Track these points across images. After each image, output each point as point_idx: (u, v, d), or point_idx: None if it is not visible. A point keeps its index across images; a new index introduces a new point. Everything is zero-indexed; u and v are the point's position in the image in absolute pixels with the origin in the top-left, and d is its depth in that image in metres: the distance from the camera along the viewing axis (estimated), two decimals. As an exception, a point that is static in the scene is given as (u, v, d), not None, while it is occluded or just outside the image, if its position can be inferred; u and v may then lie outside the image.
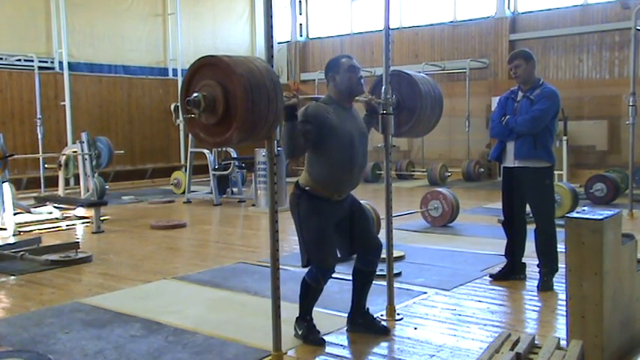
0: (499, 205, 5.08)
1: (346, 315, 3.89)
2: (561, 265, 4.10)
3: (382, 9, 4.02)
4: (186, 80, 3.27)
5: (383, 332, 3.77)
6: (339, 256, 3.73)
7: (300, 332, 3.65)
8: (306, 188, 3.57)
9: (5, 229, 7.53)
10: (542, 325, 3.98)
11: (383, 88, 3.96)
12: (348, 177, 3.59)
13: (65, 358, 3.46)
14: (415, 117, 4.17)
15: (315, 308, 3.72)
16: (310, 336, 3.62)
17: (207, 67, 3.19)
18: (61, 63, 12.93)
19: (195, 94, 3.11)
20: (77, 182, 9.87)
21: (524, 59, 4.71)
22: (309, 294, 3.64)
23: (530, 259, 4.92)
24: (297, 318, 3.72)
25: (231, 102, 3.06)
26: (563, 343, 3.08)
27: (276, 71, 3.24)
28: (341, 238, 3.71)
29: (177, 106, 10.81)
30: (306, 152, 3.56)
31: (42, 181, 11.52)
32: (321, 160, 3.54)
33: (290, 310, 3.63)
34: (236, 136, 3.08)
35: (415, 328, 3.85)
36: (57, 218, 8.55)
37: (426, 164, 13.77)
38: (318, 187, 3.55)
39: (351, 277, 3.87)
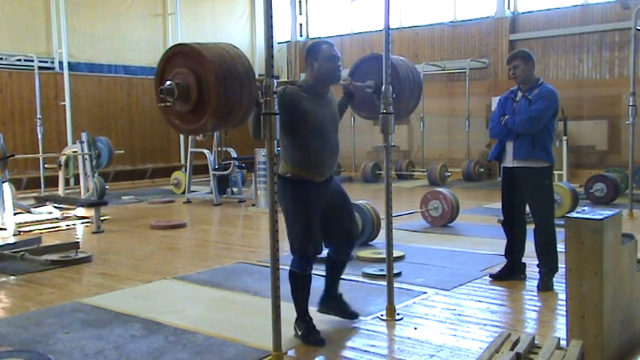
0: (499, 205, 5.08)
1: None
2: (561, 265, 4.11)
3: (382, 9, 4.02)
4: (160, 69, 3.31)
5: (353, 317, 3.91)
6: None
7: (300, 333, 3.66)
8: (288, 175, 3.63)
9: (5, 229, 7.53)
10: (542, 325, 3.98)
11: (383, 88, 3.98)
12: (322, 159, 3.65)
13: (65, 358, 3.46)
14: (395, 99, 4.22)
15: (314, 308, 3.72)
16: (310, 336, 3.63)
17: (180, 55, 3.24)
18: (61, 63, 12.92)
19: (168, 83, 3.15)
20: (77, 182, 9.87)
21: (523, 59, 4.71)
22: (298, 284, 3.67)
23: (530, 259, 4.92)
24: (296, 318, 3.72)
25: (204, 89, 3.10)
26: (563, 343, 3.08)
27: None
28: (323, 226, 3.73)
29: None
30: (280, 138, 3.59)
31: (42, 181, 11.52)
32: (295, 144, 3.59)
33: (290, 310, 3.63)
34: (210, 122, 3.12)
35: (415, 328, 3.85)
36: (57, 218, 8.55)
37: (426, 164, 13.76)
38: (299, 171, 3.61)
39: (325, 265, 3.95)
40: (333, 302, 3.94)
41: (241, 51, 3.25)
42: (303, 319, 3.69)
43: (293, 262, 3.67)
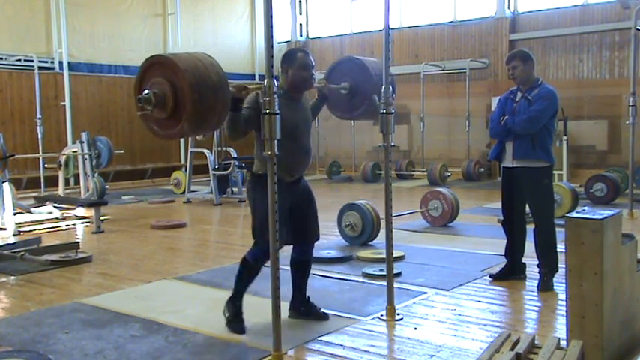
0: (499, 205, 5.08)
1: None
2: (561, 265, 4.11)
3: (382, 9, 4.03)
4: (138, 79, 3.54)
5: (323, 318, 3.95)
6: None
7: (227, 315, 3.81)
8: (259, 173, 3.70)
9: (5, 229, 7.53)
10: (542, 325, 3.98)
11: (383, 87, 3.99)
12: (293, 161, 3.74)
13: (65, 358, 3.47)
14: (368, 100, 4.31)
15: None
16: (233, 323, 3.76)
17: (156, 65, 3.46)
18: (61, 63, 12.92)
19: (145, 92, 3.37)
20: (77, 182, 9.86)
21: (522, 60, 4.71)
22: (245, 272, 3.80)
23: (530, 259, 4.92)
24: (229, 299, 3.85)
25: (179, 96, 3.32)
26: (563, 343, 3.09)
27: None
28: (289, 225, 3.80)
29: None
30: (254, 139, 3.72)
31: (42, 181, 11.51)
32: None
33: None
34: (187, 127, 3.34)
35: (415, 328, 3.85)
36: (57, 218, 8.54)
37: (426, 164, 13.76)
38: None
39: (290, 268, 4.02)
40: (302, 306, 4.02)
41: (215, 60, 3.48)
42: (234, 303, 3.81)
43: (251, 252, 3.80)
